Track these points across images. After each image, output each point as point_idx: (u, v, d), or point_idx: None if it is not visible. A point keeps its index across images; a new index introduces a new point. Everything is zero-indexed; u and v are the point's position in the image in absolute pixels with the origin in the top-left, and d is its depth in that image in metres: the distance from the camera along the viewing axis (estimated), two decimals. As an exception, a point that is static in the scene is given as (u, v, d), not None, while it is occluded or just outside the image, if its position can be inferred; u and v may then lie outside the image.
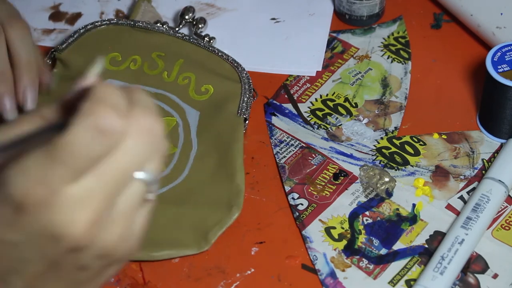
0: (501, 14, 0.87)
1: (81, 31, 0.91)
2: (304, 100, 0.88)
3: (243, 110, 0.84)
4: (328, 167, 0.82)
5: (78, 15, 0.99)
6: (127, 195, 0.46)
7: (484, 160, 0.82)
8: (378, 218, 0.78)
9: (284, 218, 0.79)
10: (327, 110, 0.87)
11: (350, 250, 0.76)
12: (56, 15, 1.00)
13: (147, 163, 0.46)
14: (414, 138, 0.85)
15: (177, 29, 0.93)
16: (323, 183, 0.81)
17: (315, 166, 0.82)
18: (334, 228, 0.77)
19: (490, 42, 0.90)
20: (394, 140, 0.84)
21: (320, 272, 0.74)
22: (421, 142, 0.84)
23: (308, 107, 0.88)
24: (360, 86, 0.89)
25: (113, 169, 0.45)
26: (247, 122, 0.84)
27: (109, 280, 0.56)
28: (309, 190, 0.80)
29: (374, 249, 0.76)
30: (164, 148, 0.47)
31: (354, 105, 0.88)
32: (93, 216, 0.45)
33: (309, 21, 0.97)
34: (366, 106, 0.88)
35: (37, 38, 0.96)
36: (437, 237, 0.76)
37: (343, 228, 0.77)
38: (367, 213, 0.78)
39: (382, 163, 0.82)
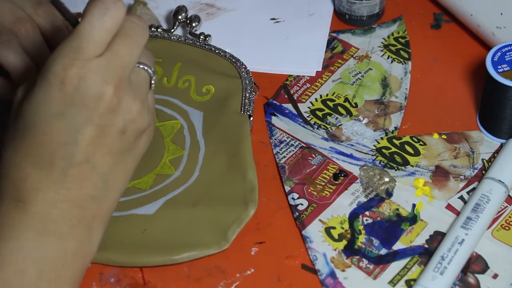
0: (501, 14, 0.87)
1: None
2: (304, 100, 0.88)
3: (246, 107, 0.84)
4: (328, 167, 0.82)
5: None
6: (137, 77, 0.62)
7: (484, 160, 0.82)
8: (378, 218, 0.78)
9: (284, 218, 0.78)
10: (327, 110, 0.87)
11: (350, 250, 0.76)
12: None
13: (142, 58, 0.63)
14: (414, 138, 0.84)
15: (172, 30, 0.92)
16: (323, 183, 0.81)
17: (315, 166, 0.82)
18: (334, 228, 0.77)
19: (490, 42, 0.90)
20: (394, 140, 0.84)
21: (320, 272, 0.74)
22: (421, 142, 0.84)
23: (308, 107, 0.88)
24: (360, 86, 0.89)
25: (121, 45, 0.60)
26: (251, 118, 0.84)
27: (143, 153, 0.65)
28: (309, 190, 0.80)
29: (374, 249, 0.76)
30: (147, 35, 0.62)
31: (354, 105, 0.88)
32: (117, 81, 0.59)
33: (309, 21, 0.96)
34: (366, 106, 0.88)
35: None
36: (437, 237, 0.76)
37: (343, 228, 0.77)
38: (367, 213, 0.78)
39: (382, 163, 0.82)
